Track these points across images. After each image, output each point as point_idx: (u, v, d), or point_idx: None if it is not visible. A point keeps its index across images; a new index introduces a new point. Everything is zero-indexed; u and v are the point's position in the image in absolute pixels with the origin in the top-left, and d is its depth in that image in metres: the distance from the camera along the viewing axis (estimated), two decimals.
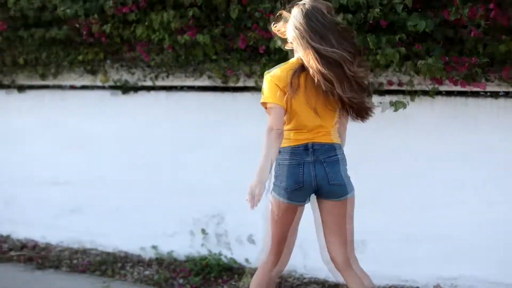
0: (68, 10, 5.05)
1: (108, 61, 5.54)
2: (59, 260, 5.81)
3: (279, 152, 3.54)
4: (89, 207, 6.02)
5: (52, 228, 6.23)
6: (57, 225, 6.21)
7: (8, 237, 6.47)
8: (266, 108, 3.49)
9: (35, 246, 6.20)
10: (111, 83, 5.67)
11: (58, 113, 6.09)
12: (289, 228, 3.70)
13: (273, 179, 3.61)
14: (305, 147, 3.57)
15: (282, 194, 3.60)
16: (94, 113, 5.89)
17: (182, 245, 5.61)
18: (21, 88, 6.23)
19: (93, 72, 5.66)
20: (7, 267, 5.73)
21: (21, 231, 6.43)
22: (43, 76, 5.93)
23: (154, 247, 5.73)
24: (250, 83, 5.16)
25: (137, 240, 5.78)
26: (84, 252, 6.02)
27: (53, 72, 5.83)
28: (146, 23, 4.95)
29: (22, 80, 6.22)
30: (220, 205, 5.46)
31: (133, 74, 5.55)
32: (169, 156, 5.62)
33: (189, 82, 5.41)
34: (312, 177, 3.55)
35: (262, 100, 3.47)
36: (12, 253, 6.04)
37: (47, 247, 6.16)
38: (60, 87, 6.10)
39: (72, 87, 6.02)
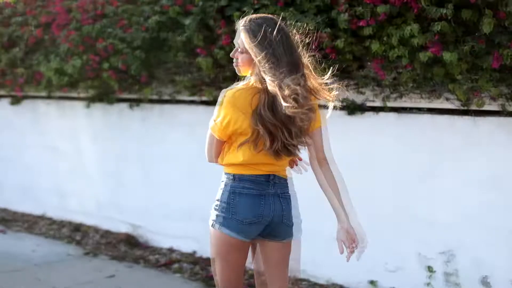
0: (298, 23, 4.78)
1: (334, 79, 5.22)
2: None
3: (232, 178, 3.30)
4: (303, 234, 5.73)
5: None
6: None
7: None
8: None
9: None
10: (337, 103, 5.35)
11: None
12: (243, 270, 3.40)
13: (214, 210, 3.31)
14: (267, 178, 3.28)
15: (233, 227, 3.24)
16: None
17: (405, 282, 5.18)
18: None
19: None
20: None
21: None
22: None
23: (372, 282, 5.35)
24: (494, 106, 4.68)
25: (354, 273, 5.41)
26: (295, 282, 5.72)
27: None
28: (384, 39, 4.60)
29: None
30: (451, 240, 4.99)
31: (362, 93, 5.20)
32: (392, 183, 5.23)
33: (424, 103, 4.99)
34: (271, 211, 3.29)
35: None
36: None
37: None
38: None
39: None
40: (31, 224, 7.92)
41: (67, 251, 6.84)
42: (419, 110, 5.10)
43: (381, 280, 5.31)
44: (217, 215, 3.28)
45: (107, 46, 6.28)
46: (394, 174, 5.23)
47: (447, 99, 4.85)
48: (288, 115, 3.08)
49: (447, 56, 4.28)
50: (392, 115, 5.18)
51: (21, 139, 8.44)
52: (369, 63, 4.95)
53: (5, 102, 8.43)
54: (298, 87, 3.05)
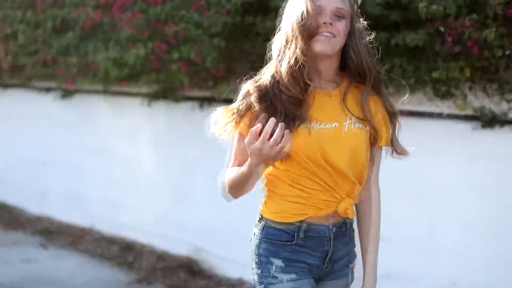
0: (434, 7, 3.86)
1: (467, 83, 4.26)
2: None
3: None
4: None
5: None
6: None
7: None
8: None
9: None
10: (468, 111, 4.38)
11: None
12: None
13: None
14: None
15: None
16: (437, 150, 4.64)
17: None
18: None
19: (443, 96, 4.40)
20: None
21: None
22: None
23: None
24: None
25: None
26: None
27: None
28: None
29: None
30: None
31: (508, 101, 4.20)
32: None
33: None
34: None
35: None
36: None
37: None
38: None
39: (410, 114, 4.71)
40: (76, 238, 7.09)
41: (116, 277, 5.99)
42: None
43: None
44: None
45: (177, 32, 5.42)
46: None
47: None
48: None
49: None
50: None
51: (69, 140, 7.60)
52: None
53: (55, 96, 7.56)
54: None
